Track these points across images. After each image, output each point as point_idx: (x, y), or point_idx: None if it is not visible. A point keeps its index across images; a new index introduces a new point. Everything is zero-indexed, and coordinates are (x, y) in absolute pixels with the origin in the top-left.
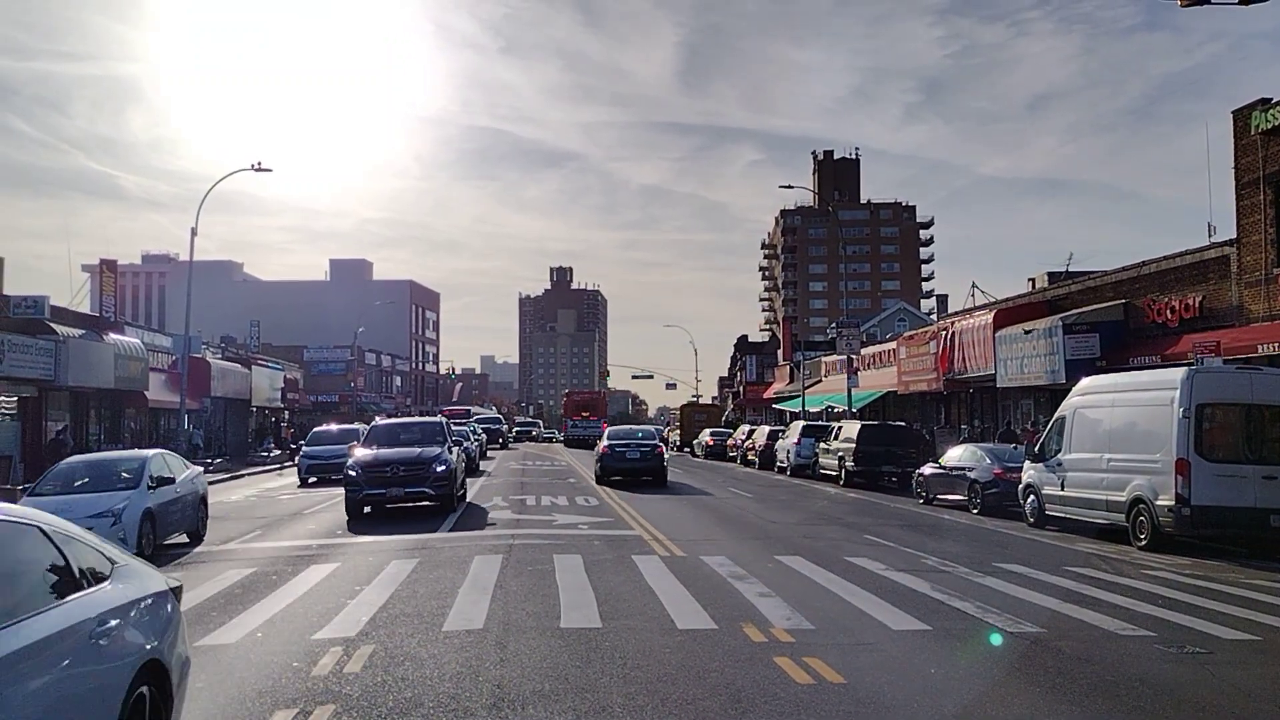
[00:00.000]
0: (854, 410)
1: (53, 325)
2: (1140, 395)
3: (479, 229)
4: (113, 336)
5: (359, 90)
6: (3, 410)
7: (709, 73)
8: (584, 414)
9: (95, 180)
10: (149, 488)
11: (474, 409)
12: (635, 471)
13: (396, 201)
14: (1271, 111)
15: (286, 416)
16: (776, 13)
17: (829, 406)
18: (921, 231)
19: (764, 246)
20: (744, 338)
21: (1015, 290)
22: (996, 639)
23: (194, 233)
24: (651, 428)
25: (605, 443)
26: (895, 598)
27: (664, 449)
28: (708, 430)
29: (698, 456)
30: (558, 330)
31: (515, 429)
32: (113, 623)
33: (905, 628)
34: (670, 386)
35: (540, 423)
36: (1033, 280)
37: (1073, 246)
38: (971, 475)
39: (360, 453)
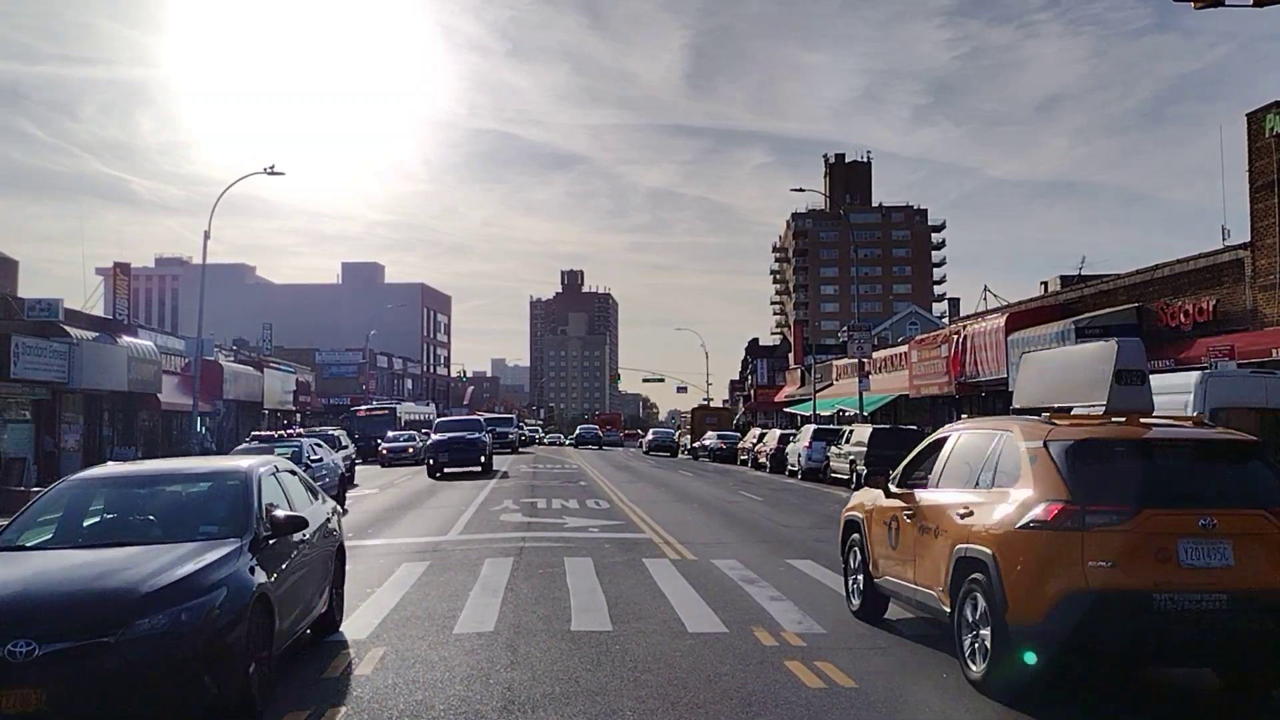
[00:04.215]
0: (865, 414)
1: (66, 328)
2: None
3: (487, 232)
4: (126, 339)
5: (366, 94)
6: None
7: (716, 75)
8: (608, 426)
9: (107, 184)
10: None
11: (402, 403)
12: (587, 442)
13: (405, 204)
14: None
15: (298, 419)
16: (783, 15)
17: (840, 410)
18: (933, 234)
19: (775, 249)
20: (755, 341)
21: (1028, 293)
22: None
23: (207, 236)
24: (594, 426)
25: (577, 432)
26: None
27: (599, 433)
28: (714, 433)
29: (703, 459)
30: (568, 333)
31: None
32: None
33: (917, 631)
34: (681, 390)
35: (515, 416)
36: (1045, 283)
37: (1085, 249)
38: None
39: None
